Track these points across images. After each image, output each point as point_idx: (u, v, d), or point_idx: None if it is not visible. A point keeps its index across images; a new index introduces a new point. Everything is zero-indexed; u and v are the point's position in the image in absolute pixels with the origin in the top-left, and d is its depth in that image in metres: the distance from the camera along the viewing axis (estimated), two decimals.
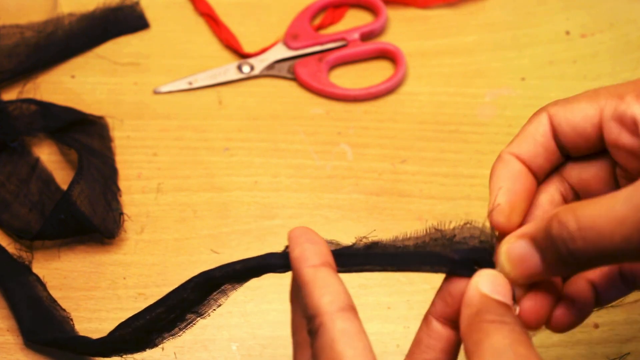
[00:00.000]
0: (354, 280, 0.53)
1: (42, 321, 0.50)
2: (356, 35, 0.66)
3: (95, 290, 0.53)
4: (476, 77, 0.64)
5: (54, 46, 0.64)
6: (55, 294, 0.52)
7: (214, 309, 0.40)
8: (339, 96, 0.63)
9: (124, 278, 0.53)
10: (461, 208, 0.57)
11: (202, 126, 0.61)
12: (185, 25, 0.68)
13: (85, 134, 0.58)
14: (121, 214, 0.55)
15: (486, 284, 0.35)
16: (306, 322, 0.35)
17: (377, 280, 0.53)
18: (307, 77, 0.63)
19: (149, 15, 0.68)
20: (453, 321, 0.36)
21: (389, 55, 0.65)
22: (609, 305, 0.40)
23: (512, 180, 0.38)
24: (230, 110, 0.62)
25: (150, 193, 0.57)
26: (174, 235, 0.55)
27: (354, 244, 0.37)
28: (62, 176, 0.58)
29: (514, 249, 0.35)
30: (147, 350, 0.42)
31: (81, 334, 0.51)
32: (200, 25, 0.68)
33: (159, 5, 0.69)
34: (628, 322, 0.52)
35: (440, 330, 0.37)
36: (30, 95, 0.61)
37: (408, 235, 0.38)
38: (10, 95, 0.62)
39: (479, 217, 0.56)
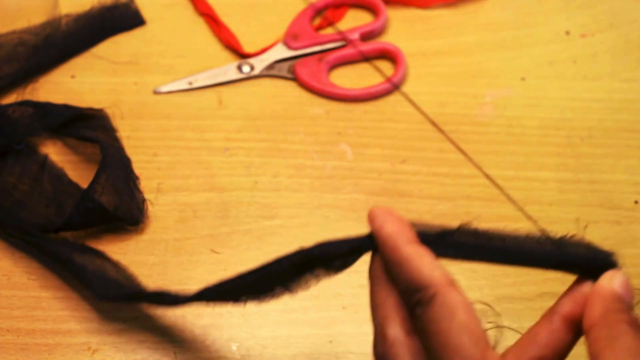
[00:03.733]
0: (355, 281, 0.53)
1: (110, 284, 0.50)
2: (356, 35, 0.66)
3: None
4: (476, 77, 0.64)
5: (52, 48, 0.64)
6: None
7: (302, 290, 0.40)
8: (339, 96, 0.63)
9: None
10: (461, 208, 0.57)
11: (202, 126, 0.61)
12: (185, 25, 0.68)
13: (89, 128, 0.59)
14: (144, 200, 0.56)
15: (619, 284, 0.36)
16: (408, 295, 0.36)
17: None
18: (307, 77, 0.63)
19: (149, 15, 0.68)
20: (577, 325, 0.37)
21: (389, 55, 0.65)
22: None
23: None
24: (230, 110, 0.62)
25: (150, 193, 0.57)
26: (174, 235, 0.55)
27: (457, 230, 0.38)
28: (72, 171, 0.58)
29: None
30: (231, 304, 0.42)
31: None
32: (200, 25, 0.68)
33: (159, 5, 0.69)
34: None
35: (562, 331, 0.37)
36: (31, 97, 0.61)
37: (514, 232, 0.38)
38: (11, 98, 0.62)
39: (479, 216, 0.56)
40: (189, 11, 0.69)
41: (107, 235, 0.55)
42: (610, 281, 0.36)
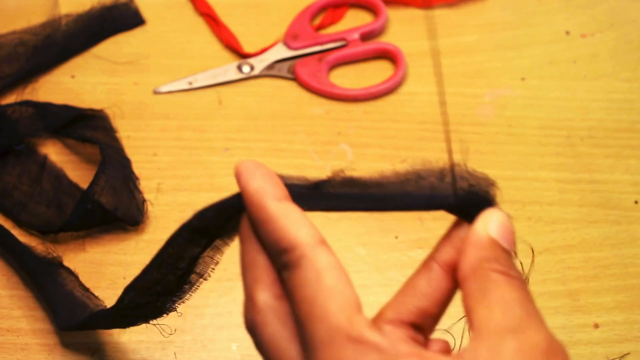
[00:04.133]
0: (355, 281, 0.52)
1: (76, 311, 0.49)
2: (356, 35, 0.66)
3: (95, 290, 0.53)
4: (476, 77, 0.64)
5: (52, 48, 0.64)
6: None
7: (213, 268, 0.39)
8: (339, 96, 0.63)
9: (124, 278, 0.53)
10: None
11: (202, 126, 0.61)
12: (185, 25, 0.68)
13: (89, 129, 0.59)
14: (144, 201, 0.56)
15: (495, 228, 0.33)
16: (275, 257, 0.33)
17: (377, 280, 0.53)
18: (307, 77, 0.63)
19: (149, 15, 0.68)
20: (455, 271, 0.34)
21: (389, 55, 0.65)
22: None
23: None
24: (230, 110, 0.62)
25: (150, 193, 0.57)
26: None
27: (328, 180, 0.35)
28: (72, 171, 0.58)
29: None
30: (164, 316, 0.41)
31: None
32: (200, 25, 0.68)
33: (159, 5, 0.69)
34: (628, 322, 0.52)
35: (441, 279, 0.34)
36: (31, 97, 0.61)
37: (388, 173, 0.35)
38: (11, 99, 0.62)
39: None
40: (189, 11, 0.69)
41: (107, 235, 0.55)
42: (485, 225, 0.33)
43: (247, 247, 0.35)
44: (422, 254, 0.54)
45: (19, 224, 0.55)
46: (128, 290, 0.40)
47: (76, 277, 0.52)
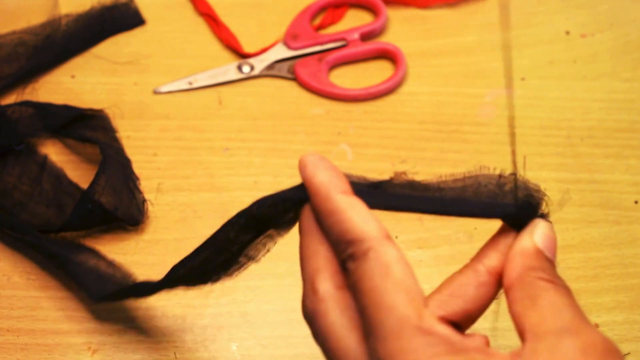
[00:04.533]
0: None
1: (104, 282, 0.50)
2: (356, 35, 0.66)
3: None
4: (476, 77, 0.64)
5: (52, 48, 0.64)
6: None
7: (264, 255, 0.39)
8: (339, 96, 0.63)
9: None
10: None
11: (202, 126, 0.61)
12: (185, 25, 0.68)
13: (89, 129, 0.59)
14: (144, 201, 0.56)
15: (541, 238, 0.34)
16: (340, 248, 0.34)
17: None
18: (307, 77, 0.63)
19: (149, 15, 0.68)
20: (500, 276, 0.35)
21: (389, 55, 0.65)
22: None
23: None
24: (230, 110, 0.62)
25: (150, 193, 0.57)
26: (174, 235, 0.55)
27: (389, 180, 0.36)
28: (72, 171, 0.58)
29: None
30: (210, 284, 0.41)
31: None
32: (200, 25, 0.68)
33: (159, 5, 0.69)
34: (628, 322, 0.52)
35: (489, 285, 0.35)
36: (31, 97, 0.61)
37: (448, 178, 0.37)
38: (11, 99, 0.62)
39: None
40: (189, 11, 0.69)
41: (107, 235, 0.55)
42: (530, 235, 0.34)
43: (309, 238, 0.35)
44: (422, 254, 0.55)
45: (17, 222, 0.55)
46: (177, 268, 0.41)
47: (97, 252, 0.52)
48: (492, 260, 0.35)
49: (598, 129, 0.61)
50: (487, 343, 0.35)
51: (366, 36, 0.67)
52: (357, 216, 0.33)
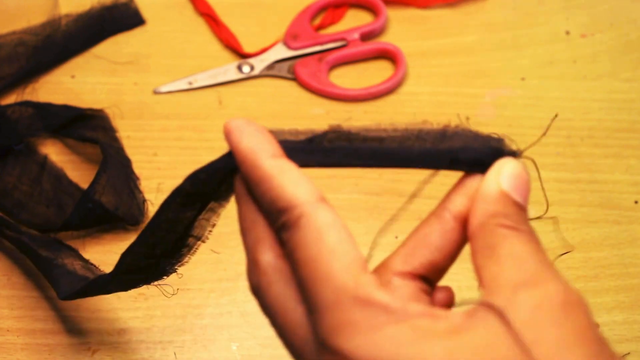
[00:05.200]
0: None
1: (77, 282, 0.49)
2: (356, 35, 0.66)
3: None
4: (476, 77, 0.64)
5: (52, 48, 0.64)
6: (55, 294, 0.52)
7: (210, 230, 0.38)
8: (339, 96, 0.63)
9: None
10: None
11: (202, 126, 0.61)
12: (185, 25, 0.68)
13: (89, 129, 0.59)
14: (144, 201, 0.56)
15: (507, 179, 0.32)
16: (272, 217, 0.31)
17: None
18: (307, 77, 0.63)
19: (149, 15, 0.68)
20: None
21: (389, 55, 0.65)
22: None
23: None
24: (230, 110, 0.62)
25: (150, 193, 0.57)
26: None
27: (324, 133, 0.33)
28: (72, 171, 0.58)
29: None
30: (164, 278, 0.40)
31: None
32: (200, 25, 0.68)
33: (159, 5, 0.69)
34: (628, 322, 0.52)
35: (454, 231, 0.33)
36: (31, 97, 0.61)
37: (388, 127, 0.33)
38: (11, 99, 0.62)
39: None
40: (189, 11, 0.69)
41: (107, 235, 0.55)
42: (496, 177, 0.32)
43: (244, 207, 0.33)
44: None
45: (19, 223, 0.55)
46: (125, 255, 0.40)
47: (76, 251, 0.52)
48: (458, 205, 0.33)
49: (598, 129, 0.61)
50: (451, 297, 0.33)
51: (366, 36, 0.67)
52: (286, 181, 0.31)
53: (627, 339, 0.51)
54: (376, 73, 0.65)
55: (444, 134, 0.33)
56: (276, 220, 0.31)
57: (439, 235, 0.33)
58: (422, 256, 0.33)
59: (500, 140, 0.33)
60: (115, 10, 0.67)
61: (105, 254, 0.54)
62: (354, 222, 0.56)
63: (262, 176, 0.31)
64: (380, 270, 0.33)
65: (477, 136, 0.33)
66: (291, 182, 0.31)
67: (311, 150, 0.33)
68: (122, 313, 0.52)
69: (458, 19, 0.68)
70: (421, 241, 0.33)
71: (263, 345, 0.51)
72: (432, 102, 0.63)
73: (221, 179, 0.35)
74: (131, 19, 0.67)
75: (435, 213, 0.34)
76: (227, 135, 0.33)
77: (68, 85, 0.63)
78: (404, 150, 0.33)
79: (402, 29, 0.68)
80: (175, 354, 0.50)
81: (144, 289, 0.53)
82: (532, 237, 0.31)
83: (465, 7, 0.69)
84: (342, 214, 0.57)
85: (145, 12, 0.68)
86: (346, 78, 0.64)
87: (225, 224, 0.56)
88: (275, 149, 0.32)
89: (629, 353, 0.50)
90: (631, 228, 0.56)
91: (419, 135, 0.33)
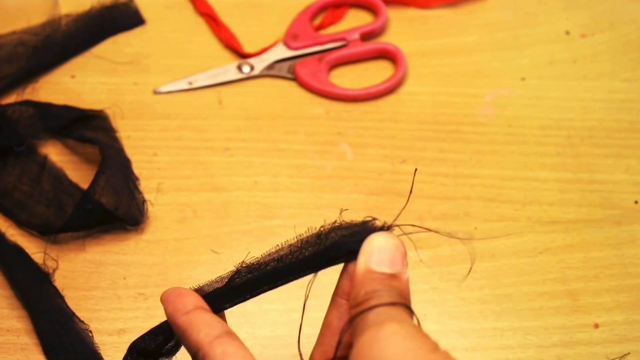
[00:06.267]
0: None
1: (60, 333, 0.50)
2: (356, 35, 0.66)
3: (95, 290, 0.53)
4: (476, 77, 0.64)
5: (52, 48, 0.64)
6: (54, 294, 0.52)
7: None
8: (339, 96, 0.63)
9: (124, 278, 0.54)
10: (461, 208, 0.57)
11: (202, 126, 0.61)
12: (185, 25, 0.68)
13: (89, 129, 0.59)
14: (144, 201, 0.56)
15: (371, 256, 0.35)
16: None
17: None
18: (307, 77, 0.63)
19: (149, 15, 0.68)
20: None
21: (389, 55, 0.65)
22: None
23: None
24: (230, 110, 0.62)
25: (150, 193, 0.57)
26: (174, 235, 0.56)
27: (238, 271, 0.38)
28: (72, 172, 0.58)
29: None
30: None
31: (81, 333, 0.51)
32: (200, 25, 0.68)
33: (159, 5, 0.69)
34: (628, 322, 0.52)
35: (347, 311, 0.36)
36: (31, 97, 0.61)
37: (281, 246, 0.38)
38: (11, 99, 0.62)
39: (479, 216, 0.56)
40: (189, 11, 0.69)
41: (107, 236, 0.55)
42: (361, 258, 0.35)
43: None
44: (421, 254, 0.54)
45: (19, 223, 0.55)
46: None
47: (62, 298, 0.52)
48: (345, 288, 0.36)
49: (598, 129, 0.61)
50: None
51: (366, 36, 0.67)
52: (192, 330, 0.36)
53: (627, 339, 0.51)
54: (376, 73, 0.65)
55: (319, 235, 0.37)
56: None
57: (337, 319, 0.36)
58: (331, 340, 0.36)
59: (365, 223, 0.36)
60: (115, 10, 0.67)
61: (105, 254, 0.54)
62: None
63: (179, 333, 0.37)
64: None
65: (349, 226, 0.36)
66: (193, 330, 0.36)
67: (227, 292, 0.38)
68: (122, 313, 0.52)
69: (458, 19, 0.68)
70: (326, 329, 0.37)
71: (263, 346, 0.51)
72: (432, 102, 0.63)
73: (167, 339, 0.40)
74: (131, 19, 0.67)
75: (331, 301, 0.37)
76: (164, 307, 0.38)
77: (68, 85, 0.63)
78: (296, 265, 0.37)
79: (402, 29, 0.68)
80: None
81: (144, 289, 0.53)
82: (394, 301, 0.33)
83: (465, 7, 0.69)
84: (342, 214, 0.57)
85: (145, 12, 0.68)
86: (346, 78, 0.64)
87: (226, 224, 0.57)
88: (191, 305, 0.37)
89: (629, 353, 0.50)
90: (631, 228, 0.56)
91: (303, 244, 0.37)
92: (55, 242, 0.55)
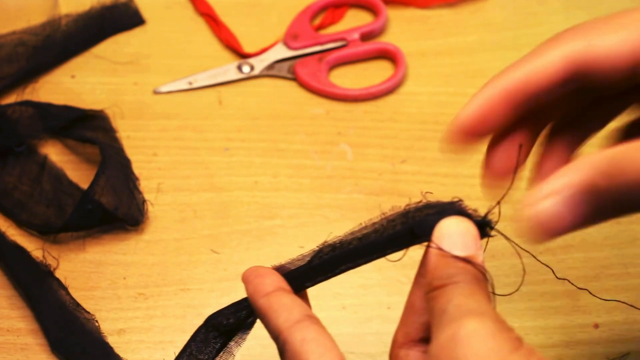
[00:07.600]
0: (355, 281, 0.53)
1: (66, 325, 0.50)
2: (356, 35, 0.66)
3: (95, 290, 0.53)
4: (476, 77, 0.64)
5: (52, 48, 0.64)
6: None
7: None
8: (339, 96, 0.63)
9: (124, 278, 0.54)
10: None
11: (202, 126, 0.61)
12: (185, 25, 0.68)
13: (89, 129, 0.59)
14: (144, 201, 0.56)
15: (444, 240, 0.34)
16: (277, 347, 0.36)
17: (377, 280, 0.53)
18: (307, 77, 0.63)
19: (149, 15, 0.68)
20: None
21: (389, 55, 0.65)
22: None
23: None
24: (230, 110, 0.62)
25: (150, 193, 0.57)
26: (174, 235, 0.56)
27: (318, 252, 0.38)
28: (72, 172, 0.58)
29: (547, 210, 0.33)
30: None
31: (87, 324, 0.51)
32: (200, 25, 0.68)
33: (159, 5, 0.69)
34: (628, 322, 0.52)
35: None
36: (31, 97, 0.61)
37: (365, 224, 0.38)
38: (11, 99, 0.62)
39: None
40: (189, 11, 0.69)
41: (107, 236, 0.55)
42: (436, 241, 0.34)
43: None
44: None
45: (19, 224, 0.55)
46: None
47: (66, 289, 0.52)
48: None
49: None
50: None
51: (366, 36, 0.67)
52: (272, 313, 0.36)
53: (627, 339, 0.51)
54: (376, 73, 0.65)
55: (405, 214, 0.36)
56: (277, 347, 0.36)
57: (421, 299, 0.35)
58: (414, 322, 0.36)
59: (452, 203, 0.36)
60: (115, 10, 0.67)
61: (105, 254, 0.54)
62: (354, 222, 0.56)
63: (259, 314, 0.37)
64: (391, 349, 0.37)
65: (435, 205, 0.36)
66: (273, 313, 0.36)
67: (309, 270, 0.38)
68: (122, 313, 0.52)
69: (458, 19, 0.68)
70: (410, 310, 0.36)
71: (263, 346, 0.51)
72: (432, 102, 0.63)
73: (248, 314, 0.40)
74: (131, 19, 0.67)
75: (414, 282, 0.36)
76: (245, 286, 0.38)
77: (68, 85, 0.63)
78: (376, 244, 0.36)
79: (402, 29, 0.68)
80: (175, 353, 0.50)
81: (144, 289, 0.53)
82: (471, 287, 0.33)
83: (465, 7, 0.69)
84: (342, 214, 0.58)
85: (145, 12, 0.68)
86: (346, 78, 0.64)
87: (226, 224, 0.57)
88: (272, 286, 0.37)
89: (629, 353, 0.50)
90: (631, 228, 0.56)
91: (388, 222, 0.37)
92: (55, 242, 0.55)
